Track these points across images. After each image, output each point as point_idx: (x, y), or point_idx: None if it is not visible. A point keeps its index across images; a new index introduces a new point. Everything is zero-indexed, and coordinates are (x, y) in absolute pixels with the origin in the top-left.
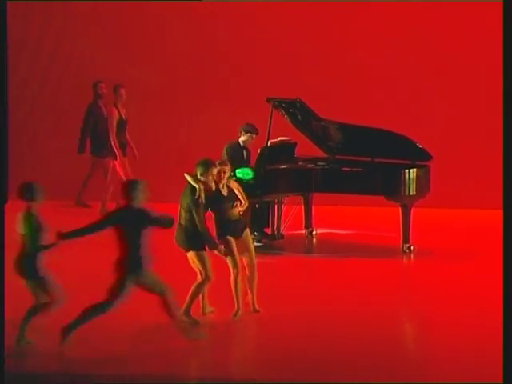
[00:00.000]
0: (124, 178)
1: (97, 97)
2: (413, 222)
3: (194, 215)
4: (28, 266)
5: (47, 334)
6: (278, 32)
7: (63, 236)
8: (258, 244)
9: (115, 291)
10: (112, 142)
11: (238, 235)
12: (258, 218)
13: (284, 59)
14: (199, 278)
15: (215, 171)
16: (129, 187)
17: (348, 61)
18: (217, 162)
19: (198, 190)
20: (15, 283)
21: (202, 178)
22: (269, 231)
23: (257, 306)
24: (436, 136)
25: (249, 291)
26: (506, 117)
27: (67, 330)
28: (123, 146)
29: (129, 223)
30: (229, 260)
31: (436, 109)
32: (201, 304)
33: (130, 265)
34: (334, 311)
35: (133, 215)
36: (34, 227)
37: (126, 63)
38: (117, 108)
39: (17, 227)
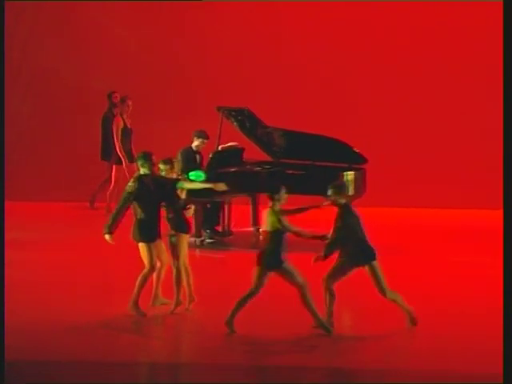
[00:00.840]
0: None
1: (111, 105)
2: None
3: (143, 209)
4: (273, 258)
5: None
6: (253, 43)
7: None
8: (210, 240)
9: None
10: (117, 149)
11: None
12: (209, 216)
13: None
14: (144, 269)
15: (161, 165)
16: None
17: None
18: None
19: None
20: (15, 283)
21: (143, 170)
22: (219, 229)
23: (193, 295)
24: (435, 137)
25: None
26: (506, 118)
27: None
28: (129, 153)
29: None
30: (174, 254)
31: (436, 109)
32: (152, 295)
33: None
34: (276, 299)
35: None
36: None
37: (115, 71)
38: (122, 118)
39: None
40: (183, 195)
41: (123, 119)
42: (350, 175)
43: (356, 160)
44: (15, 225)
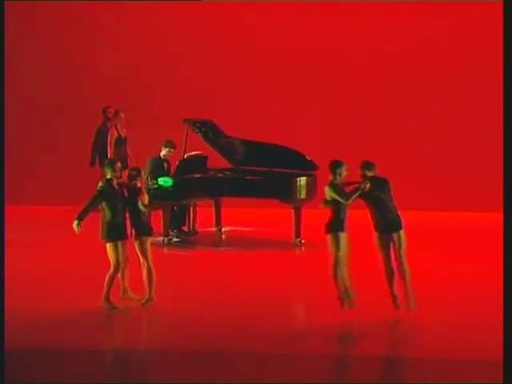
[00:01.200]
0: None
1: (105, 119)
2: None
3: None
4: (337, 224)
5: None
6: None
7: None
8: (176, 239)
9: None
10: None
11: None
12: (176, 218)
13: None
14: (111, 268)
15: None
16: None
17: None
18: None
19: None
20: (15, 283)
21: (108, 174)
22: (185, 229)
23: (153, 295)
24: (434, 138)
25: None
26: (506, 119)
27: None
28: (123, 160)
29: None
30: (143, 255)
31: (434, 110)
32: (121, 288)
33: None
34: (237, 293)
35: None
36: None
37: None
38: (116, 128)
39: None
40: (147, 201)
41: (117, 130)
42: (302, 180)
43: (308, 167)
44: (12, 227)
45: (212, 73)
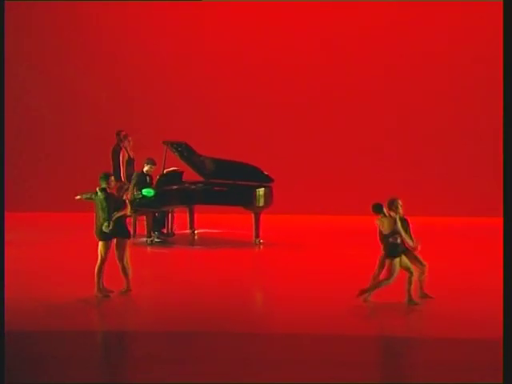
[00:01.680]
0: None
1: (119, 141)
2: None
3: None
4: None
5: None
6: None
7: None
8: (158, 240)
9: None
10: (122, 174)
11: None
12: (158, 222)
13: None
14: (98, 261)
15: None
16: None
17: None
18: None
19: (98, 196)
20: (15, 282)
21: (103, 185)
22: (165, 231)
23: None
24: (433, 139)
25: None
26: (506, 121)
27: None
28: (129, 176)
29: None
30: (119, 254)
31: (435, 118)
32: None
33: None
34: (208, 283)
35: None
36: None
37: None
38: (126, 150)
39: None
40: (129, 212)
41: (127, 152)
42: (261, 191)
43: (265, 180)
44: (11, 229)
45: (185, 103)
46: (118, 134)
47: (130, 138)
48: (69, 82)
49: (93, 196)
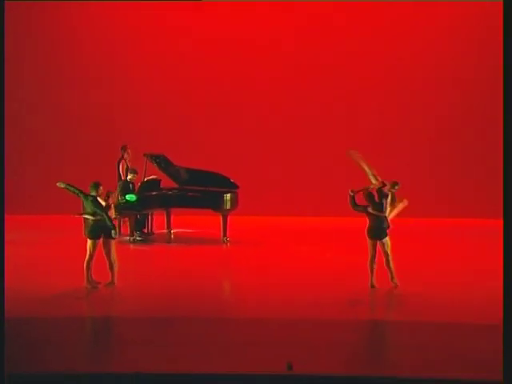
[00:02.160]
0: None
1: (122, 153)
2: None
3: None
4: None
5: None
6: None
7: None
8: (139, 239)
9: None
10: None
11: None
12: (139, 223)
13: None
14: (86, 257)
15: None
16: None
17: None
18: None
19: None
20: (15, 282)
21: (92, 192)
22: (145, 231)
23: (115, 280)
24: (433, 141)
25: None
26: (506, 122)
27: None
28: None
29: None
30: (106, 251)
31: (435, 119)
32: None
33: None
34: (182, 275)
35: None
36: None
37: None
38: (126, 162)
39: None
40: (114, 215)
41: (126, 163)
42: (228, 196)
43: (232, 186)
44: (12, 230)
45: (163, 117)
46: (123, 147)
47: (129, 151)
48: (69, 84)
49: (80, 195)
